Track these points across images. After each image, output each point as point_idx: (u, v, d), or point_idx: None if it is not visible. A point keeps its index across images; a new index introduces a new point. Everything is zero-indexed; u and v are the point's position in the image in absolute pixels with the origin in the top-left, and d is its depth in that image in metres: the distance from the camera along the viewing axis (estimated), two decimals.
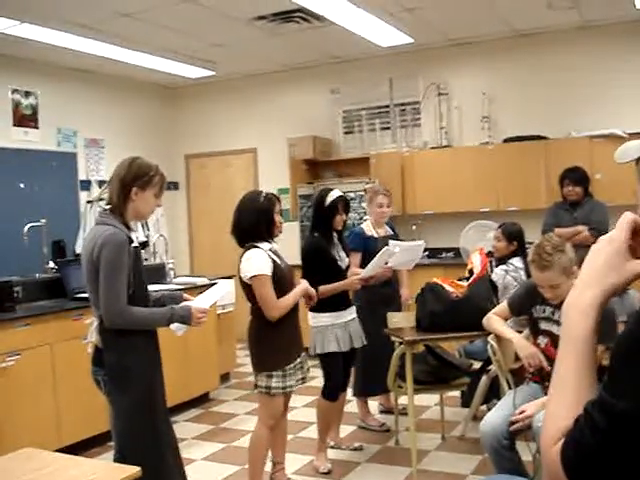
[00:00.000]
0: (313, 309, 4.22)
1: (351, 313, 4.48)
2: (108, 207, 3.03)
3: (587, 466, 0.95)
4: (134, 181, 3.00)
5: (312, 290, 3.87)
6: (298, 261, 4.41)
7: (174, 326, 3.15)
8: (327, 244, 4.36)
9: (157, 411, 3.12)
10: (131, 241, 2.99)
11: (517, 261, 4.88)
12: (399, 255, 4.69)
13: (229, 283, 3.60)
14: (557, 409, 1.06)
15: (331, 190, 4.46)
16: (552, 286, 3.21)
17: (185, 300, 3.33)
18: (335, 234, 4.42)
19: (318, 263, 4.30)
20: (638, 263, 1.08)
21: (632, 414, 0.91)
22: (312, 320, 4.32)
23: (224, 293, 3.46)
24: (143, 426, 3.04)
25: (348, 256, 4.54)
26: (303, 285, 3.82)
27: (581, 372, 1.06)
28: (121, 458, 3.06)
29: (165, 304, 3.28)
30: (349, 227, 7.37)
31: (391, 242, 4.76)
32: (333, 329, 4.31)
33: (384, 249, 4.48)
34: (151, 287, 3.25)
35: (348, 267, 4.52)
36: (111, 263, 2.88)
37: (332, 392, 4.41)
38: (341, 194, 4.44)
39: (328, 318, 4.30)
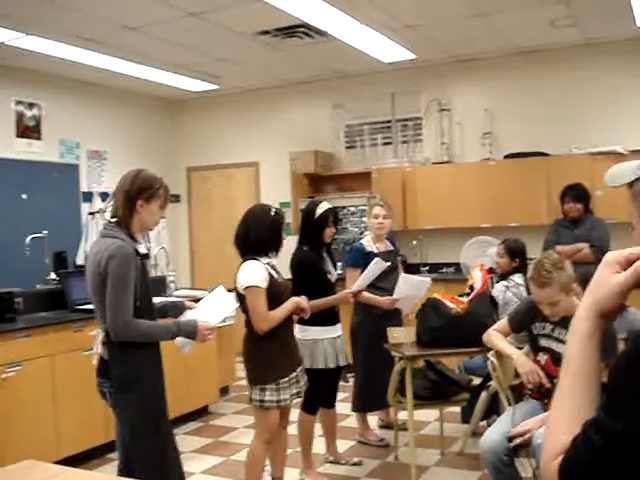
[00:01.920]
0: (302, 322, 4.18)
1: (338, 330, 4.45)
2: (114, 220, 3.04)
3: None
4: (139, 193, 3.02)
5: (304, 303, 3.81)
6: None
7: (180, 342, 3.15)
8: (317, 257, 4.36)
9: (162, 423, 3.12)
10: (138, 253, 3.00)
11: (518, 277, 4.89)
12: (405, 286, 4.72)
13: (231, 296, 3.59)
14: (557, 425, 1.07)
15: (320, 202, 4.44)
16: (551, 303, 3.23)
17: (188, 308, 3.33)
18: (324, 247, 4.42)
19: (308, 277, 4.26)
20: (620, 276, 1.08)
21: (628, 435, 0.92)
22: (300, 333, 4.25)
23: (227, 304, 3.45)
24: (149, 438, 3.04)
25: (336, 269, 4.54)
26: (294, 299, 3.76)
27: (578, 389, 1.08)
28: (126, 469, 3.07)
29: (168, 312, 3.29)
30: (349, 242, 7.44)
31: (402, 275, 4.78)
32: (322, 344, 4.29)
33: (374, 261, 4.47)
34: (153, 299, 3.25)
35: (337, 281, 4.52)
36: (119, 275, 2.89)
37: (312, 405, 4.40)
38: (330, 206, 4.41)
39: (317, 332, 4.28)
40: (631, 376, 0.95)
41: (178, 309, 3.34)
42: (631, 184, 1.21)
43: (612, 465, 0.93)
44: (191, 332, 3.11)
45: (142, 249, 3.07)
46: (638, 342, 0.97)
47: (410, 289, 4.81)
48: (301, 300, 3.80)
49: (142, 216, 3.04)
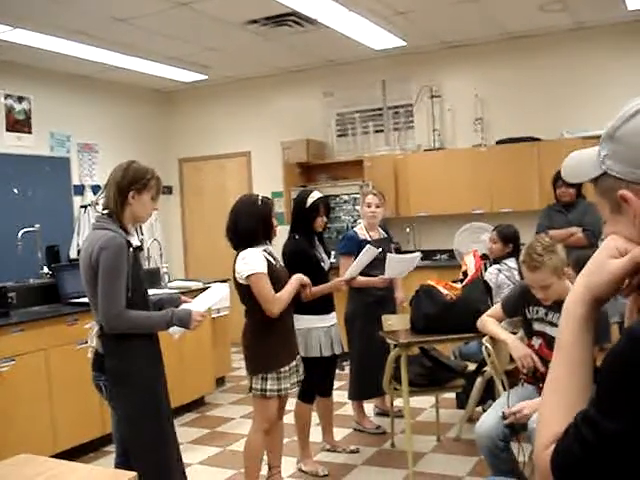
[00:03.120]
0: (295, 310, 4.13)
1: (333, 318, 4.46)
2: (105, 212, 3.04)
3: (574, 475, 0.97)
4: (131, 185, 3.01)
5: (306, 278, 3.84)
6: None
7: (172, 329, 3.15)
8: (309, 246, 4.36)
9: (161, 415, 3.12)
10: (130, 245, 2.99)
11: (511, 261, 4.91)
12: (394, 265, 4.71)
13: (225, 286, 3.59)
14: (549, 414, 1.06)
15: (312, 191, 4.44)
16: (543, 287, 3.23)
17: (184, 302, 3.32)
18: (316, 236, 4.42)
19: (301, 265, 4.21)
20: (615, 262, 1.06)
21: (619, 435, 0.91)
22: (295, 322, 4.29)
23: (221, 297, 3.46)
24: (147, 431, 3.03)
25: (329, 258, 4.55)
26: (296, 276, 3.78)
27: (572, 377, 1.06)
28: (123, 462, 3.06)
29: (163, 307, 3.28)
30: (342, 230, 7.44)
31: (389, 255, 4.77)
32: (317, 332, 4.30)
33: (365, 249, 4.46)
34: (148, 292, 3.25)
35: (330, 269, 4.52)
36: (110, 267, 2.89)
37: (308, 394, 4.41)
38: (322, 195, 4.41)
39: (311, 320, 4.27)
40: (625, 377, 0.93)
41: (174, 302, 3.33)
42: (596, 179, 1.14)
43: (603, 461, 0.93)
44: (185, 320, 3.10)
45: (134, 241, 3.06)
46: (633, 340, 0.95)
47: (400, 266, 4.82)
48: (302, 276, 3.82)
49: (134, 208, 3.03)
